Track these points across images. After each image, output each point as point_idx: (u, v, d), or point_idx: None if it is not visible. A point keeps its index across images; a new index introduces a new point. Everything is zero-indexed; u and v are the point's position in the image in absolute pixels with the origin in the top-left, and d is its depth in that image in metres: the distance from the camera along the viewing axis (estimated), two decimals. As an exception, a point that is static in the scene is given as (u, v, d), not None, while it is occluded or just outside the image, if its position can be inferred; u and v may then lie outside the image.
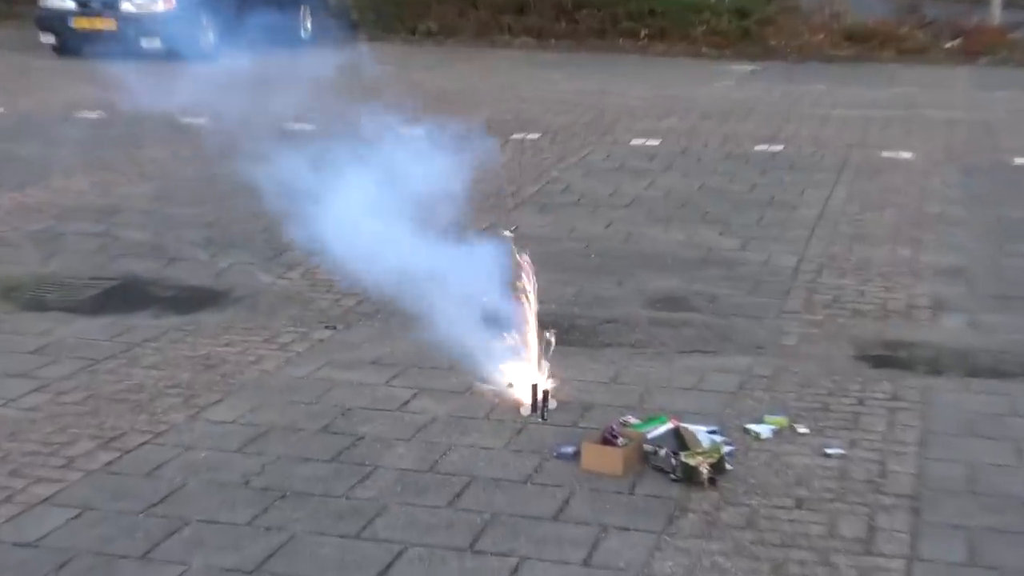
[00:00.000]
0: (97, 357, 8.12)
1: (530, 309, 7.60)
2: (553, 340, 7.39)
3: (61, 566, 5.51)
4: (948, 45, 26.00)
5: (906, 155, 15.23)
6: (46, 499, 6.14)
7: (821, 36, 26.43)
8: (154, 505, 6.08)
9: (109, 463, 6.58)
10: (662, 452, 6.47)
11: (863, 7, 27.57)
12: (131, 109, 15.37)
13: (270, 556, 5.60)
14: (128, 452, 6.71)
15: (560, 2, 27.44)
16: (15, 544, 5.71)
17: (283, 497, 6.19)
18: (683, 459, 6.36)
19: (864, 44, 26.08)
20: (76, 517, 5.96)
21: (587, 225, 11.80)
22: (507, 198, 12.59)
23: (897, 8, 27.72)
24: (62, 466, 6.52)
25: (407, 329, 8.42)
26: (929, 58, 25.46)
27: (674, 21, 26.88)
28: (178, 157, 14.69)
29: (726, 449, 6.67)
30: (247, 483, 6.36)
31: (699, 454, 6.40)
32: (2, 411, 7.25)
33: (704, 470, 6.31)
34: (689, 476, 6.32)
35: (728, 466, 6.50)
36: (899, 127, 17.33)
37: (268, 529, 5.86)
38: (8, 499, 6.14)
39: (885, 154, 15.39)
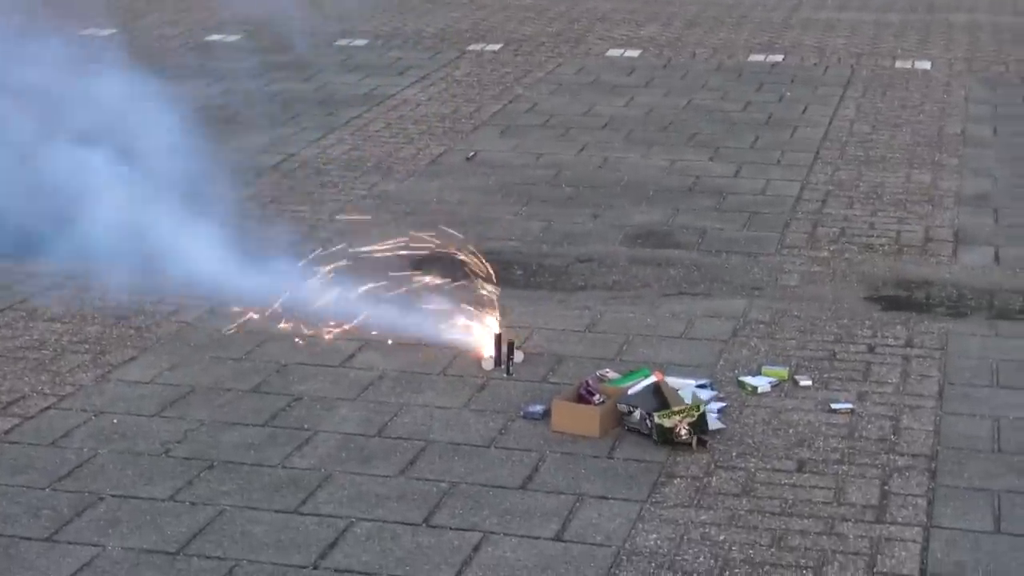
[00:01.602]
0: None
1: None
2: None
3: (-47, 550, 5.51)
4: None
5: (923, 65, 15.25)
6: (-65, 473, 6.12)
7: None
8: (61, 479, 6.06)
9: (7, 431, 6.55)
10: (636, 413, 6.48)
11: None
12: None
13: (196, 535, 5.58)
14: (29, 418, 6.70)
15: None
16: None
17: (209, 468, 6.16)
18: (657, 420, 6.35)
19: None
20: (-30, 493, 5.95)
21: (557, 149, 11.79)
22: (463, 120, 12.57)
23: None
24: (-48, 435, 6.50)
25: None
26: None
27: None
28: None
29: (715, 406, 6.68)
30: (167, 452, 6.34)
31: (676, 413, 6.37)
32: None
33: (683, 431, 6.31)
34: (666, 439, 6.33)
35: (720, 424, 6.53)
36: (916, 33, 17.29)
37: (193, 504, 5.84)
38: None
39: (899, 64, 15.40)
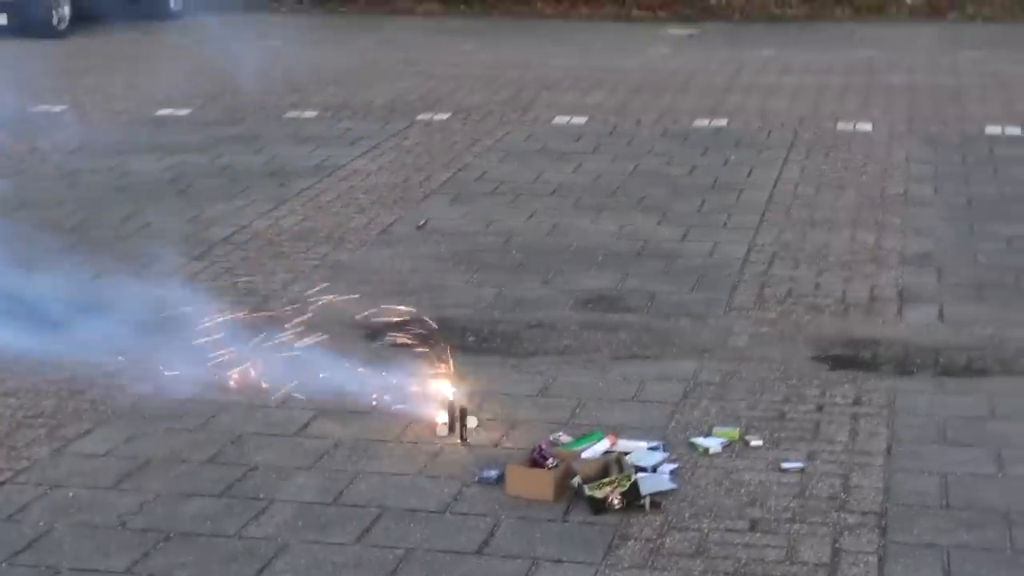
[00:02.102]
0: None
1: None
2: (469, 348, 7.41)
3: (-89, 628, 5.46)
4: (911, 0, 26.02)
5: (865, 127, 15.41)
6: None
7: None
8: (17, 553, 6.01)
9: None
10: (574, 482, 6.43)
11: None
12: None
13: (153, 607, 5.56)
14: (-15, 493, 6.64)
15: None
16: None
17: (166, 539, 6.12)
18: (588, 492, 6.32)
19: (817, 1, 25.96)
20: (-74, 571, 5.89)
21: (507, 217, 11.82)
22: (414, 188, 12.60)
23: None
24: (-93, 512, 6.45)
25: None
26: (890, 15, 25.55)
27: None
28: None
29: (668, 467, 6.69)
30: (123, 524, 6.29)
31: (606, 484, 6.33)
32: None
33: (615, 501, 6.28)
34: (599, 509, 6.28)
35: (672, 485, 6.52)
36: (856, 95, 17.49)
37: (150, 576, 5.82)
38: None
39: (841, 126, 15.55)
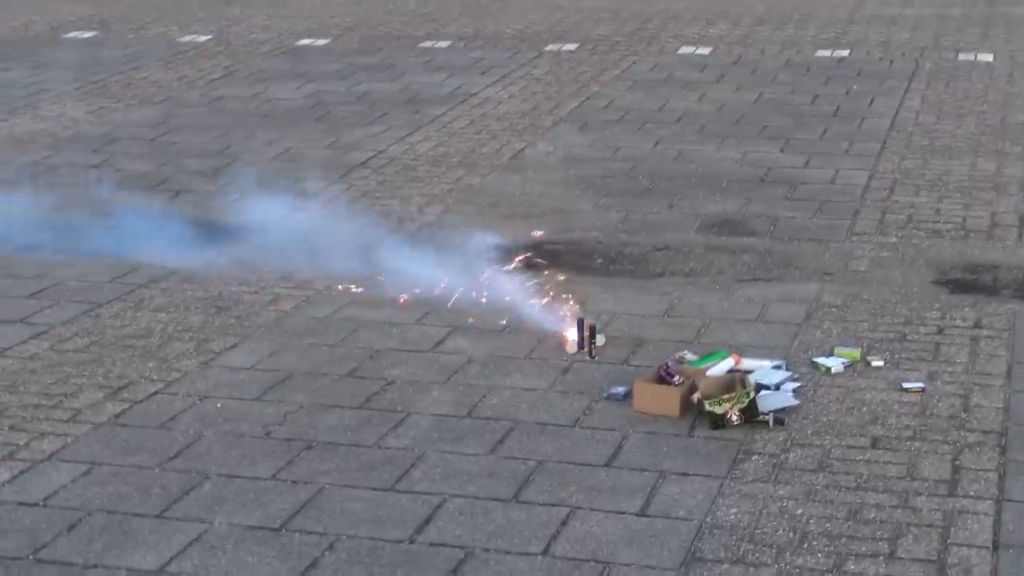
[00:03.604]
0: (99, 300, 8.17)
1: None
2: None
3: (71, 527, 5.52)
4: None
5: (986, 57, 15.05)
6: (52, 455, 6.17)
7: None
8: (169, 459, 6.12)
9: (118, 415, 6.61)
10: (695, 397, 6.41)
11: None
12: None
13: (297, 512, 5.61)
14: (138, 403, 6.76)
15: None
16: (20, 504, 5.73)
17: (309, 448, 6.20)
18: (708, 407, 6.29)
19: None
20: (85, 474, 5.98)
21: (633, 143, 11.72)
22: (544, 116, 12.55)
23: None
24: (67, 419, 6.55)
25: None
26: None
27: None
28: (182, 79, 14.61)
29: (791, 385, 6.63)
30: (268, 434, 6.38)
31: (726, 400, 6.29)
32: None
33: (733, 417, 6.25)
34: (717, 425, 6.25)
35: (795, 402, 6.47)
36: (978, 26, 17.08)
37: (294, 483, 5.87)
38: (11, 456, 6.18)
39: (963, 56, 15.21)
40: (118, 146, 11.84)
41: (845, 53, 15.56)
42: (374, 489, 5.80)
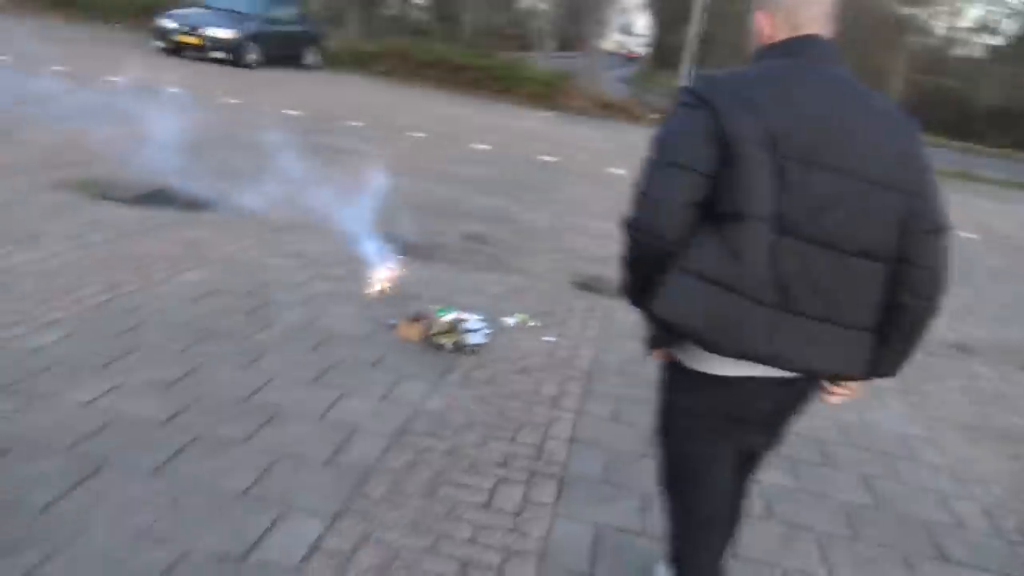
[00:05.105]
0: (127, 232, 6.99)
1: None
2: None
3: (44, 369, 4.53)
4: (652, 116, 25.68)
5: (619, 171, 14.46)
6: (53, 322, 5.10)
7: (588, 102, 26.30)
8: (123, 332, 5.10)
9: (104, 301, 5.52)
10: (430, 333, 5.66)
11: (611, 90, 27.11)
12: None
13: (183, 378, 4.67)
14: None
15: (454, 66, 26.95)
16: (28, 350, 4.70)
17: (207, 336, 5.20)
18: (433, 340, 5.57)
19: (610, 109, 26.05)
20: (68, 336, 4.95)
21: (441, 190, 10.79)
22: (400, 172, 11.59)
23: (630, 91, 27.20)
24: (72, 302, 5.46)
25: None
26: (642, 121, 25.02)
27: (512, 84, 26.44)
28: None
29: (485, 331, 5.91)
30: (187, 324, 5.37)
31: (446, 335, 5.59)
32: (50, 261, 6.10)
33: (449, 345, 5.53)
34: (439, 349, 5.53)
35: (480, 340, 5.73)
36: (618, 155, 16.54)
37: (187, 354, 4.91)
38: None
39: (608, 169, 14.63)
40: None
41: (556, 159, 14.88)
42: (235, 368, 4.86)
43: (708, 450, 2.66)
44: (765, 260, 2.19)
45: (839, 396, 2.63)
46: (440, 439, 4.36)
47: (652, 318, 2.37)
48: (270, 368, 4.88)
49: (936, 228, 2.30)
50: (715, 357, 2.43)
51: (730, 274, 2.19)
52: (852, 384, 2.56)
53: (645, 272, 2.31)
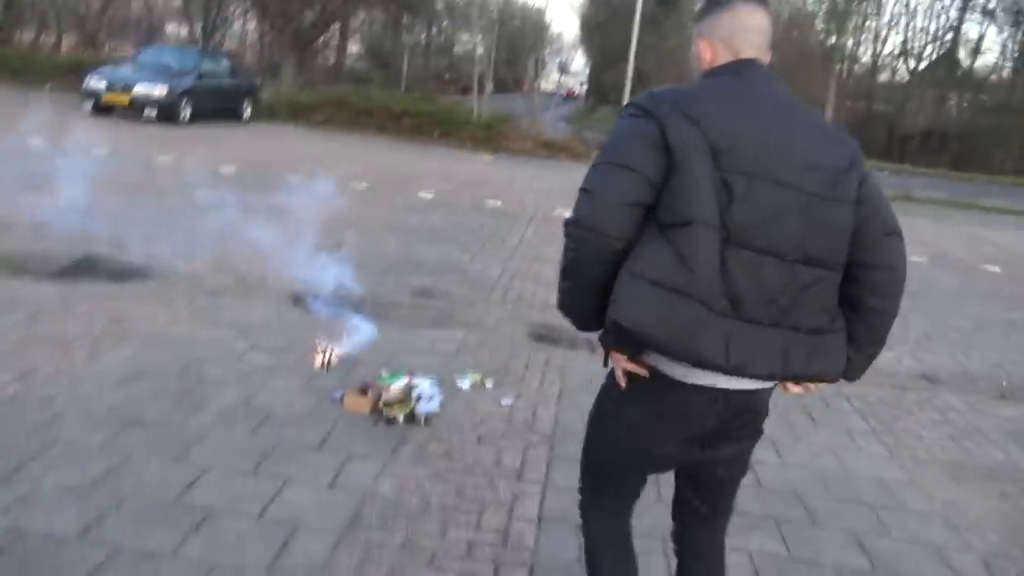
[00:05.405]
0: (45, 309, 6.45)
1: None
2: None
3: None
4: (593, 152, 26.05)
5: (566, 213, 14.23)
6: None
7: (529, 143, 26.53)
8: (37, 428, 4.56)
9: (15, 393, 4.98)
10: (381, 404, 5.23)
11: (552, 129, 27.40)
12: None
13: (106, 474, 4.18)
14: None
15: (393, 112, 27.01)
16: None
17: (132, 424, 4.72)
18: (384, 412, 5.14)
19: (552, 149, 26.37)
20: None
21: (387, 242, 10.40)
22: (342, 226, 11.20)
23: (571, 129, 27.49)
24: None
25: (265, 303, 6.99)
26: (584, 158, 25.14)
27: (453, 128, 26.51)
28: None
29: (439, 398, 5.48)
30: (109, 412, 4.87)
31: (397, 406, 5.17)
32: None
33: (400, 418, 5.11)
34: (390, 422, 5.11)
35: (434, 409, 5.30)
36: (563, 195, 16.38)
37: (109, 450, 4.42)
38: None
39: (555, 211, 14.42)
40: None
41: (500, 203, 14.63)
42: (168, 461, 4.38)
43: (636, 461, 2.57)
44: (716, 267, 2.18)
45: (798, 390, 2.53)
46: (394, 531, 3.91)
47: (605, 327, 2.31)
48: (202, 459, 4.38)
49: (891, 231, 2.37)
50: (676, 363, 2.35)
51: (682, 280, 2.17)
52: (812, 385, 2.48)
53: (587, 277, 2.28)
